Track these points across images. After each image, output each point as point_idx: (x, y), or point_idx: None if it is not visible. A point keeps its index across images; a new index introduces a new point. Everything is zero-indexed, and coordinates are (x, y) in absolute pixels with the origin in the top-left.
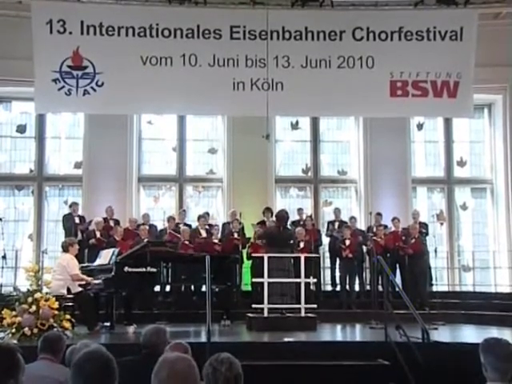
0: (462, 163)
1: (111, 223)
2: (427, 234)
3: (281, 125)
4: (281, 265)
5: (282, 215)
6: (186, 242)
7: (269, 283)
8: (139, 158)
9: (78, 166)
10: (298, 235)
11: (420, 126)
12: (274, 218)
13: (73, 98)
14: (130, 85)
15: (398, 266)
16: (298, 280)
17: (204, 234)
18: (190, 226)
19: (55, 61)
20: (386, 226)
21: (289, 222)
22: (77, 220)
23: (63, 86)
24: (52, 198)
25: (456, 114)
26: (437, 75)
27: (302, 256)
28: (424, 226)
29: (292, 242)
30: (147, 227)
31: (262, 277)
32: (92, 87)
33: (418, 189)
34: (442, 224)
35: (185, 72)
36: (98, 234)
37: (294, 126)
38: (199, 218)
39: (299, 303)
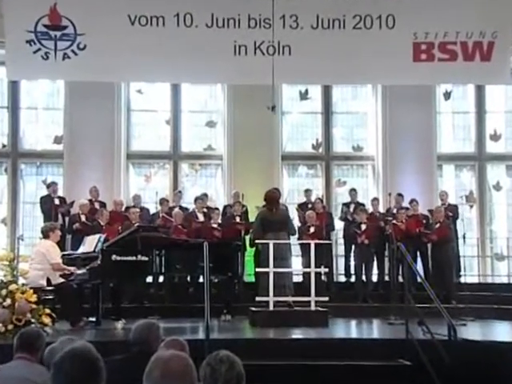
0: (495, 137)
1: (96, 206)
2: (456, 217)
3: (288, 94)
4: (278, 253)
5: (272, 195)
6: (179, 227)
7: (266, 274)
8: (128, 132)
9: (57, 140)
10: (308, 219)
11: (447, 95)
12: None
13: (51, 63)
14: (117, 48)
15: (419, 253)
16: (307, 270)
17: (202, 217)
18: (186, 209)
19: (29, 19)
20: (407, 209)
21: (281, 201)
22: (56, 202)
23: (39, 49)
24: (28, 176)
25: (490, 80)
26: (468, 35)
27: (312, 242)
28: (453, 208)
29: (289, 224)
30: (138, 210)
31: (261, 266)
32: (73, 50)
33: (444, 166)
34: (471, 206)
35: (179, 34)
36: (82, 218)
37: (303, 96)
38: (196, 199)
39: (307, 295)
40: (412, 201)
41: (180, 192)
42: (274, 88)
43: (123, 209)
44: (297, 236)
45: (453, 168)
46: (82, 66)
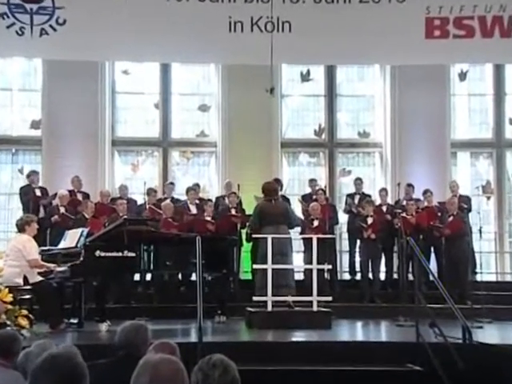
0: None
1: (79, 197)
2: (469, 210)
3: (288, 75)
4: (277, 248)
5: (271, 187)
6: (169, 220)
7: (264, 272)
8: (113, 117)
9: (35, 125)
10: (312, 211)
11: (463, 76)
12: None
13: (26, 39)
14: (100, 24)
15: (433, 249)
16: (309, 266)
17: (195, 210)
18: (178, 201)
19: None
20: (418, 200)
21: (280, 192)
22: (38, 192)
23: (13, 23)
24: (3, 165)
25: (510, 58)
26: (486, 9)
27: (315, 237)
28: (465, 200)
29: (290, 215)
30: (124, 202)
31: (259, 263)
32: (51, 26)
33: (458, 154)
34: (488, 198)
35: (169, 8)
36: (61, 210)
37: (305, 77)
38: (189, 190)
39: (309, 294)
40: (426, 191)
41: (172, 183)
42: (272, 68)
43: (109, 200)
44: (299, 230)
45: (468, 156)
46: (61, 43)
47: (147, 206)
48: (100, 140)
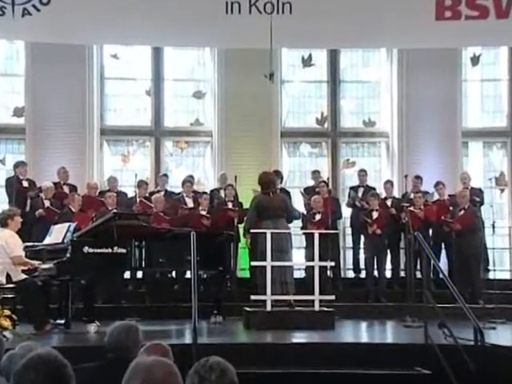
0: None
1: (65, 190)
2: (482, 203)
3: (289, 60)
4: (277, 244)
5: (268, 179)
6: (161, 214)
7: (263, 269)
8: (102, 104)
9: (18, 113)
10: (314, 205)
11: (475, 60)
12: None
13: (7, 20)
14: (87, 4)
15: (443, 245)
16: (311, 263)
17: (190, 203)
18: (173, 193)
19: None
20: (426, 193)
21: (279, 185)
22: (25, 184)
23: None
24: None
25: None
26: None
27: (317, 233)
28: (477, 192)
29: (288, 208)
30: (114, 195)
31: (258, 260)
32: (34, 5)
33: (470, 144)
34: (502, 191)
35: None
36: (46, 204)
37: (307, 62)
38: (184, 182)
39: (311, 293)
40: (438, 183)
41: (166, 175)
42: (272, 53)
43: (97, 193)
44: (300, 224)
45: (481, 146)
46: (44, 24)
47: (138, 200)
48: (88, 129)
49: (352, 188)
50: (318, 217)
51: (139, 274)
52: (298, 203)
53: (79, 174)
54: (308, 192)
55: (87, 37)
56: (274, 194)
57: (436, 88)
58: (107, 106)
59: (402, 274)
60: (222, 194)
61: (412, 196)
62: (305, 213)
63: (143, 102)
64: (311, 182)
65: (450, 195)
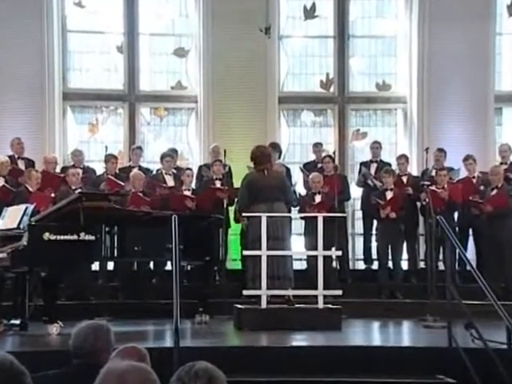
0: None
1: (20, 165)
2: None
3: (289, 11)
4: (273, 230)
5: (262, 153)
6: (139, 194)
7: (257, 259)
8: (64, 63)
9: None
10: (313, 184)
11: None
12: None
13: None
14: None
15: (471, 231)
16: (313, 253)
17: (171, 181)
18: (148, 170)
19: None
20: (451, 169)
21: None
22: None
23: None
24: None
25: None
26: None
27: (320, 216)
28: None
29: (286, 191)
30: (79, 171)
31: (251, 249)
32: None
33: (504, 111)
34: None
35: None
36: (0, 182)
37: (310, 14)
38: (164, 157)
39: (313, 288)
40: (468, 157)
41: (140, 148)
42: (268, 2)
43: (58, 169)
44: (298, 207)
45: None
46: None
47: (106, 177)
48: (48, 93)
49: (363, 164)
50: (317, 198)
51: (110, 266)
52: (299, 182)
53: (37, 147)
54: (308, 168)
55: None
56: (269, 172)
57: (464, 44)
58: (70, 64)
59: (422, 265)
60: (211, 170)
61: (434, 173)
62: (303, 194)
63: (114, 60)
64: (313, 157)
65: (480, 172)
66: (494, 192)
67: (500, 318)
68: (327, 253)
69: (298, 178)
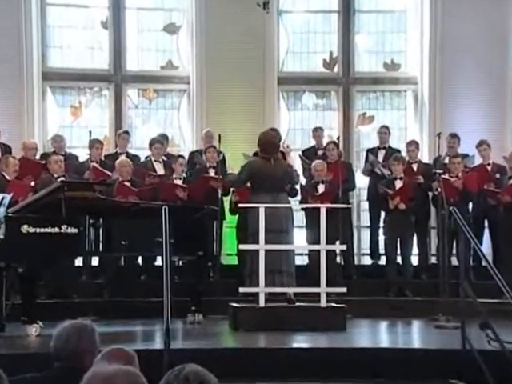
0: None
1: None
2: None
3: None
4: (273, 222)
5: (271, 141)
6: (127, 184)
7: (255, 254)
8: (43, 40)
9: None
10: (316, 173)
11: None
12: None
13: None
14: None
15: (487, 223)
16: (315, 247)
17: (161, 169)
18: (135, 156)
19: None
20: (466, 156)
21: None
22: None
23: None
24: None
25: None
26: None
27: (323, 208)
28: None
29: (290, 181)
30: (60, 158)
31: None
32: None
33: None
34: None
35: None
36: None
37: None
38: (153, 143)
39: (316, 285)
40: (481, 143)
41: (127, 133)
42: None
43: (38, 156)
44: (298, 197)
45: None
46: None
47: (90, 165)
48: (26, 72)
49: (370, 150)
50: (321, 188)
51: (95, 261)
52: (299, 171)
53: (15, 132)
54: (308, 155)
55: None
56: (275, 162)
57: (480, 20)
58: (50, 41)
59: (433, 260)
60: (204, 158)
61: (447, 160)
62: (303, 183)
63: (98, 37)
64: (313, 142)
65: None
66: None
67: None
68: (331, 247)
69: (298, 166)
